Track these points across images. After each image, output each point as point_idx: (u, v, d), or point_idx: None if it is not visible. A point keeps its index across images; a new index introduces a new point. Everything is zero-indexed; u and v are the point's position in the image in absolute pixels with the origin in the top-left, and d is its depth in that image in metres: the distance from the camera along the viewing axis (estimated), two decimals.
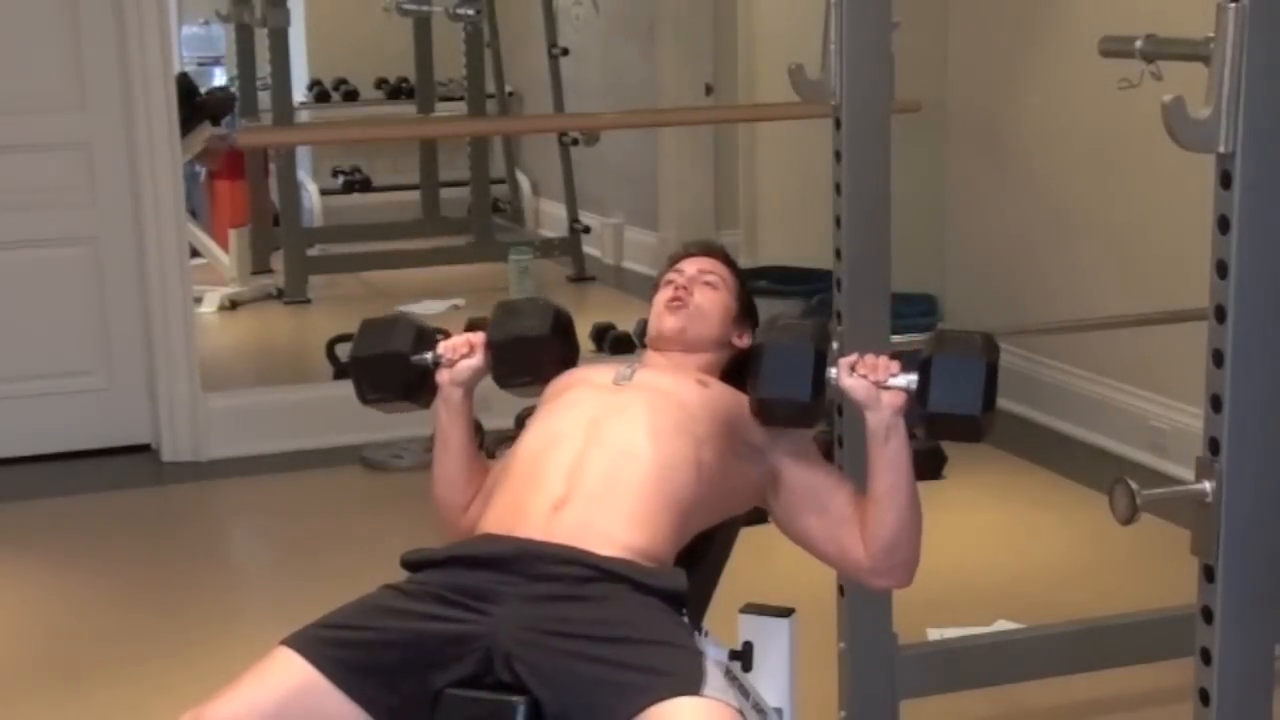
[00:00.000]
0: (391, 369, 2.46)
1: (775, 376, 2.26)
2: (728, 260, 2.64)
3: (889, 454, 2.25)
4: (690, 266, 2.58)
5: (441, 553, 2.19)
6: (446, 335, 2.52)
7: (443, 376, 2.45)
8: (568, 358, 2.50)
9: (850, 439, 2.70)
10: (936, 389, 2.19)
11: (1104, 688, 3.36)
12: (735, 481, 2.35)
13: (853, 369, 2.25)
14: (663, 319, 2.53)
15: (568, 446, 2.27)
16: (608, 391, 2.36)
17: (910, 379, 2.23)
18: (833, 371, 2.26)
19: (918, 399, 2.22)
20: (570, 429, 2.30)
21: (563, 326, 2.49)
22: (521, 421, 2.54)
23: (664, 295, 2.55)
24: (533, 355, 2.47)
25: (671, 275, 2.57)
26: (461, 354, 2.45)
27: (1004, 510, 4.69)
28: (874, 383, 2.24)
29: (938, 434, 2.27)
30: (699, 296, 2.53)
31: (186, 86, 6.60)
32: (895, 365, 2.25)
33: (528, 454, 2.31)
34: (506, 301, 2.57)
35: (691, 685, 1.93)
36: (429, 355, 2.46)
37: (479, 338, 2.47)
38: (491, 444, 3.93)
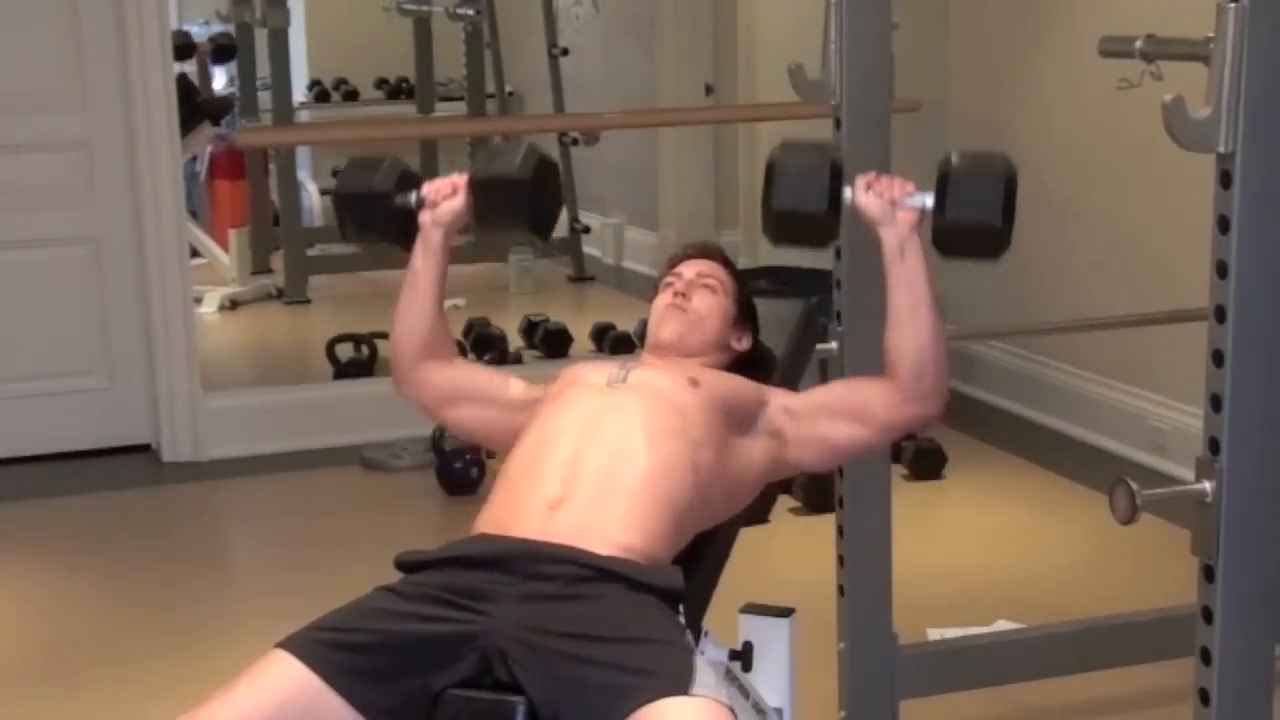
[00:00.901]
0: (375, 208, 2.46)
1: (790, 189, 2.21)
2: (726, 262, 2.64)
3: (906, 270, 2.23)
4: (689, 269, 2.57)
5: (436, 554, 2.19)
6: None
7: (425, 218, 2.45)
8: (549, 203, 2.47)
9: None
10: (955, 200, 2.16)
11: (1104, 688, 3.36)
12: (739, 474, 2.34)
13: (868, 187, 2.24)
14: (660, 327, 2.53)
15: (564, 447, 2.27)
16: (602, 393, 2.36)
17: (926, 197, 2.20)
18: (848, 192, 2.24)
19: (936, 210, 2.18)
20: (566, 430, 2.30)
21: (545, 170, 2.45)
22: None
23: (663, 300, 2.55)
24: (513, 196, 2.43)
25: (670, 278, 2.57)
26: (444, 195, 2.44)
27: (1004, 510, 4.69)
28: (889, 200, 2.22)
29: (954, 249, 2.22)
30: (697, 301, 2.52)
31: (186, 87, 6.60)
32: (911, 185, 2.24)
33: (524, 455, 2.30)
34: (490, 145, 2.55)
35: (681, 684, 1.93)
36: (413, 196, 2.46)
37: (462, 179, 2.45)
38: None
